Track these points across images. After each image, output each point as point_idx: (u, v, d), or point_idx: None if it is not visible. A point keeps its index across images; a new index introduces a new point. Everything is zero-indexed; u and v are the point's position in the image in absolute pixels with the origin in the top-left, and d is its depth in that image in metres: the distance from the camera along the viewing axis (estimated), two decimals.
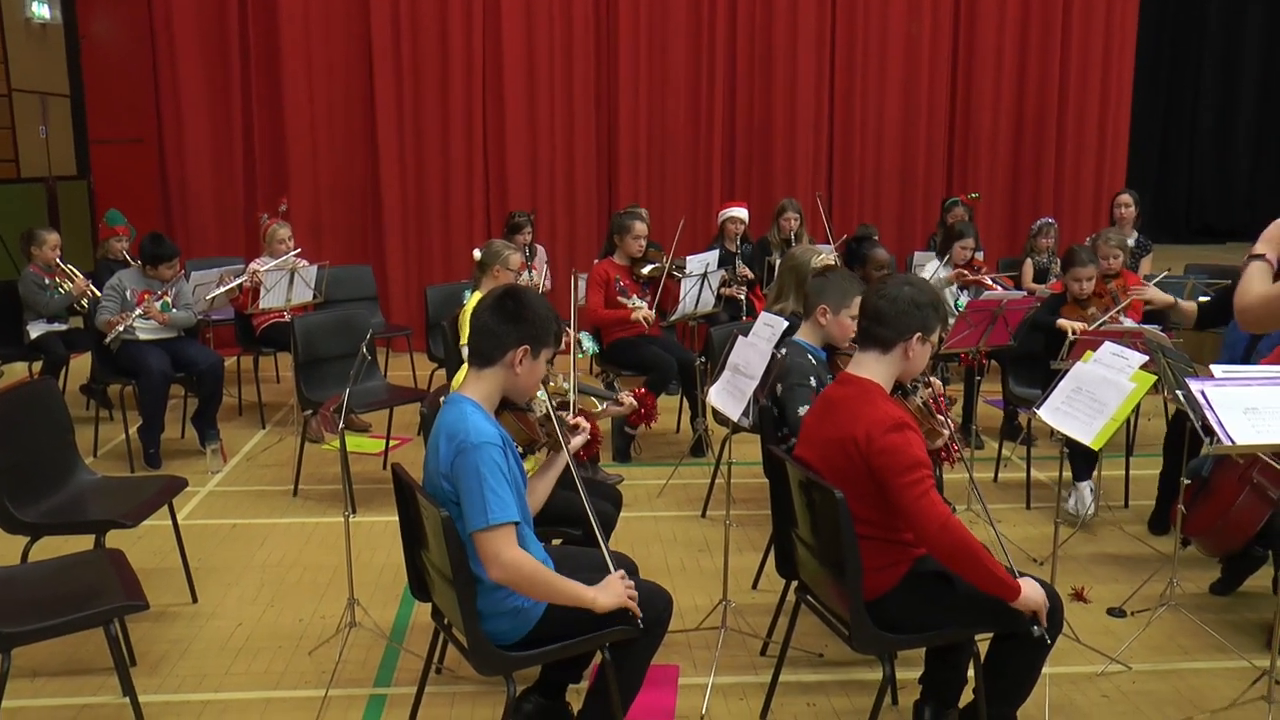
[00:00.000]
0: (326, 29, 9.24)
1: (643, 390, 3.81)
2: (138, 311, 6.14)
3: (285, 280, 6.63)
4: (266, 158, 9.35)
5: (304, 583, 4.65)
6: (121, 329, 6.06)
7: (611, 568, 3.00)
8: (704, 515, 5.48)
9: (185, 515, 5.34)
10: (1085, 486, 5.57)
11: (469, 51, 9.32)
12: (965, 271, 7.15)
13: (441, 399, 3.25)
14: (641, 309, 6.43)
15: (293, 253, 7.10)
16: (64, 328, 7.04)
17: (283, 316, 6.83)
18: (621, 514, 4.10)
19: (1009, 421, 6.57)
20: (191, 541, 4.68)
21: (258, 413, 7.20)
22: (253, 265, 7.06)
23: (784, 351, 4.08)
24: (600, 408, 3.54)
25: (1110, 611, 4.41)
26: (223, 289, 6.89)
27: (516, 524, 2.81)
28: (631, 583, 2.98)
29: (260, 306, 6.75)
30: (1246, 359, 4.85)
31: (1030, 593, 2.98)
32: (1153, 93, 16.55)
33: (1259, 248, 2.97)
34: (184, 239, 8.82)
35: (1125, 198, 8.10)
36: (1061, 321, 5.70)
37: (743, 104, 9.82)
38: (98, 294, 6.45)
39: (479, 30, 9.31)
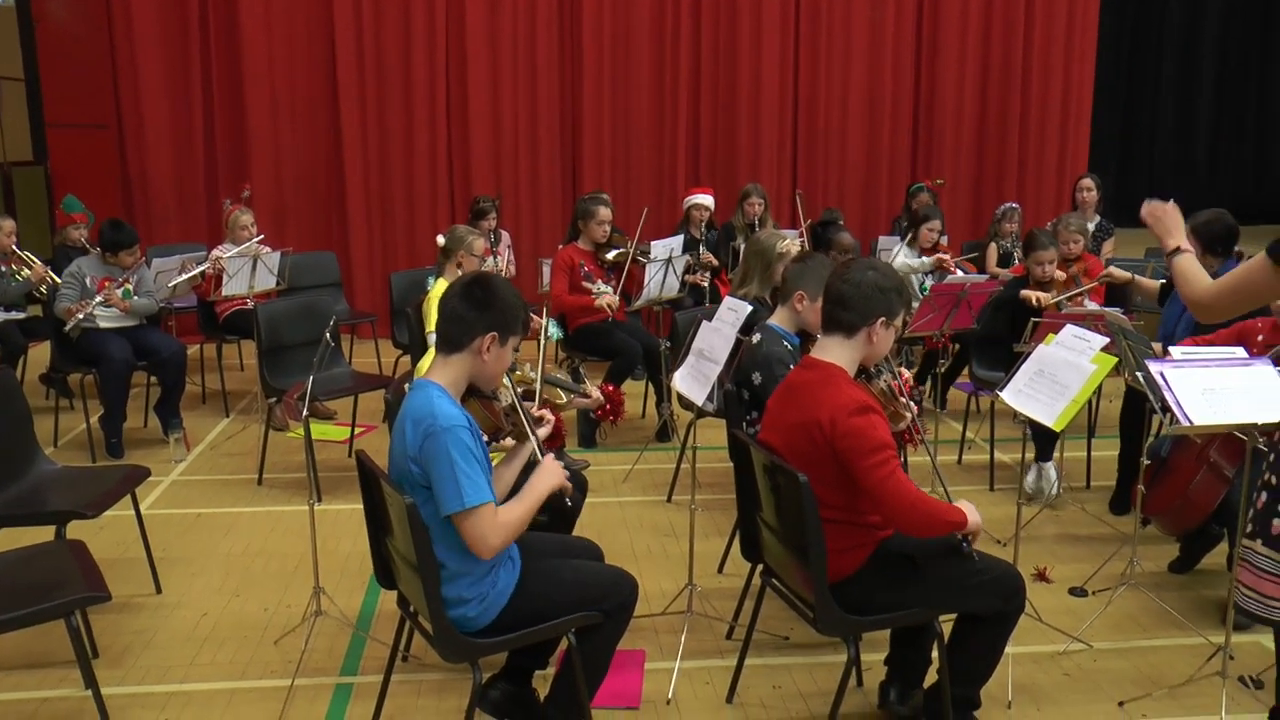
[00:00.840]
0: (288, 12, 9.13)
1: (610, 386, 3.81)
2: (98, 299, 6.07)
3: (248, 267, 6.57)
4: (228, 143, 9.25)
5: (269, 572, 4.63)
6: (81, 316, 5.99)
7: (540, 456, 3.06)
8: (669, 500, 5.50)
9: (148, 505, 5.29)
10: (1049, 467, 5.64)
11: (432, 34, 9.24)
12: (945, 256, 7.21)
13: (406, 385, 3.24)
14: (605, 294, 6.43)
15: (255, 239, 7.04)
16: (22, 316, 6.93)
17: (246, 303, 6.76)
18: (587, 500, 4.11)
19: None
20: (155, 531, 4.65)
21: (221, 401, 7.14)
22: (215, 252, 6.99)
23: (759, 337, 4.09)
24: (565, 400, 3.53)
25: (1072, 591, 4.47)
26: (185, 276, 6.82)
27: (492, 504, 2.82)
28: (562, 462, 3.09)
29: (223, 293, 6.67)
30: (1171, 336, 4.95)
31: (973, 516, 3.08)
32: (1114, 77, 16.75)
33: (1174, 241, 3.00)
34: (145, 225, 8.72)
35: (1087, 182, 8.18)
36: (1025, 292, 5.77)
37: (707, 89, 9.81)
38: (57, 280, 6.37)
39: (442, 11, 9.24)
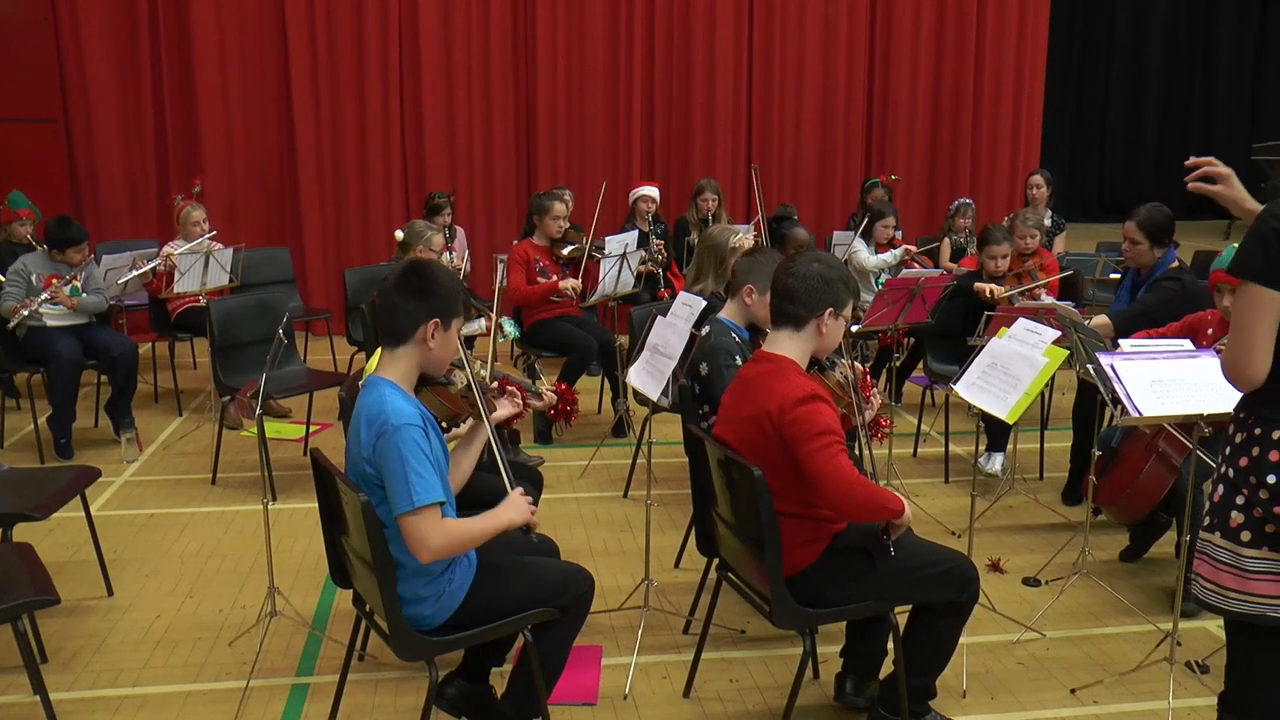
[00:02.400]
0: (240, 6, 9.02)
1: (563, 386, 3.81)
2: (44, 296, 5.97)
3: (200, 264, 6.48)
4: (179, 138, 9.11)
5: (224, 572, 4.58)
6: (27, 314, 5.88)
7: (509, 487, 3.01)
8: (626, 495, 5.50)
9: (99, 506, 5.22)
10: (999, 457, 5.72)
11: (385, 26, 9.17)
12: (911, 248, 7.27)
13: (360, 383, 3.21)
14: (569, 283, 6.43)
15: (207, 235, 6.95)
16: None
17: (198, 301, 6.68)
18: (543, 496, 4.10)
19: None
20: (106, 533, 4.59)
21: (174, 400, 7.05)
22: (166, 249, 6.89)
23: (707, 329, 4.09)
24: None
25: (1025, 581, 4.53)
26: (135, 273, 6.72)
27: (441, 504, 2.80)
28: (530, 496, 3.02)
29: (175, 291, 6.59)
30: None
31: (907, 512, 3.09)
32: (1065, 75, 17.05)
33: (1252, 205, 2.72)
34: (94, 222, 8.58)
35: (1037, 178, 8.28)
36: (979, 285, 5.84)
37: (661, 85, 9.83)
38: (1, 279, 6.25)
39: (395, 7, 9.18)
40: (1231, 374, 2.52)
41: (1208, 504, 2.68)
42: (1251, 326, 2.47)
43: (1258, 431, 2.54)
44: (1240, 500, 2.57)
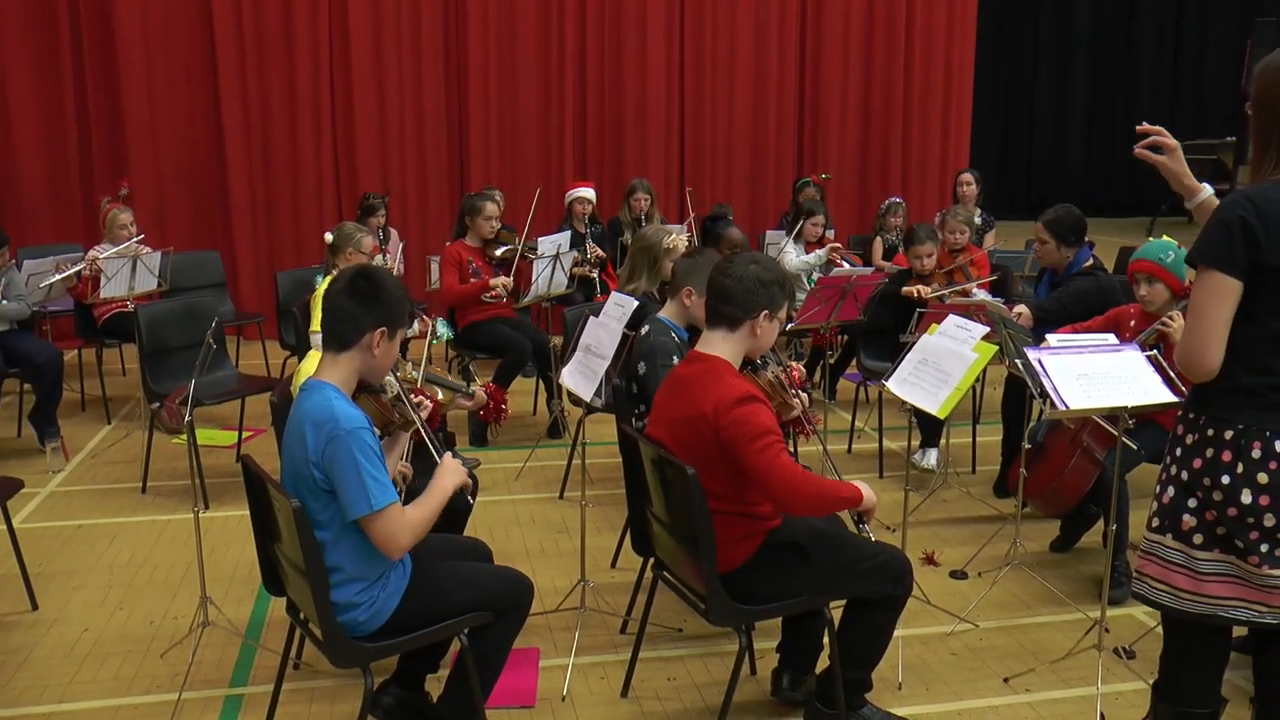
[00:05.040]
0: (164, 5, 8.85)
1: (493, 386, 3.79)
2: None
3: (127, 268, 6.36)
4: (104, 139, 8.91)
5: (155, 583, 4.49)
6: None
7: (438, 457, 3.05)
8: (562, 496, 5.50)
9: (22, 519, 5.09)
10: (933, 452, 5.80)
11: (314, 26, 9.07)
12: (838, 246, 7.33)
13: (292, 388, 3.18)
14: (500, 280, 6.41)
15: (135, 239, 6.82)
16: None
17: (126, 306, 6.55)
18: (479, 498, 4.07)
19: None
20: (30, 546, 4.48)
21: (102, 407, 6.90)
22: (92, 252, 6.73)
23: (646, 329, 4.10)
24: (442, 397, 3.51)
25: (953, 574, 4.60)
26: (58, 277, 6.55)
27: (397, 502, 2.80)
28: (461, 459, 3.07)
29: (101, 296, 6.45)
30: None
31: (868, 495, 3.16)
32: (993, 75, 17.40)
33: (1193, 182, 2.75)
34: (14, 225, 8.33)
35: (966, 176, 8.42)
36: (906, 288, 5.92)
37: (593, 85, 9.84)
38: None
39: (324, 6, 9.07)
40: (1186, 362, 2.51)
41: (1155, 505, 2.69)
42: (1209, 314, 2.44)
43: (1210, 433, 2.55)
44: (1193, 503, 2.59)
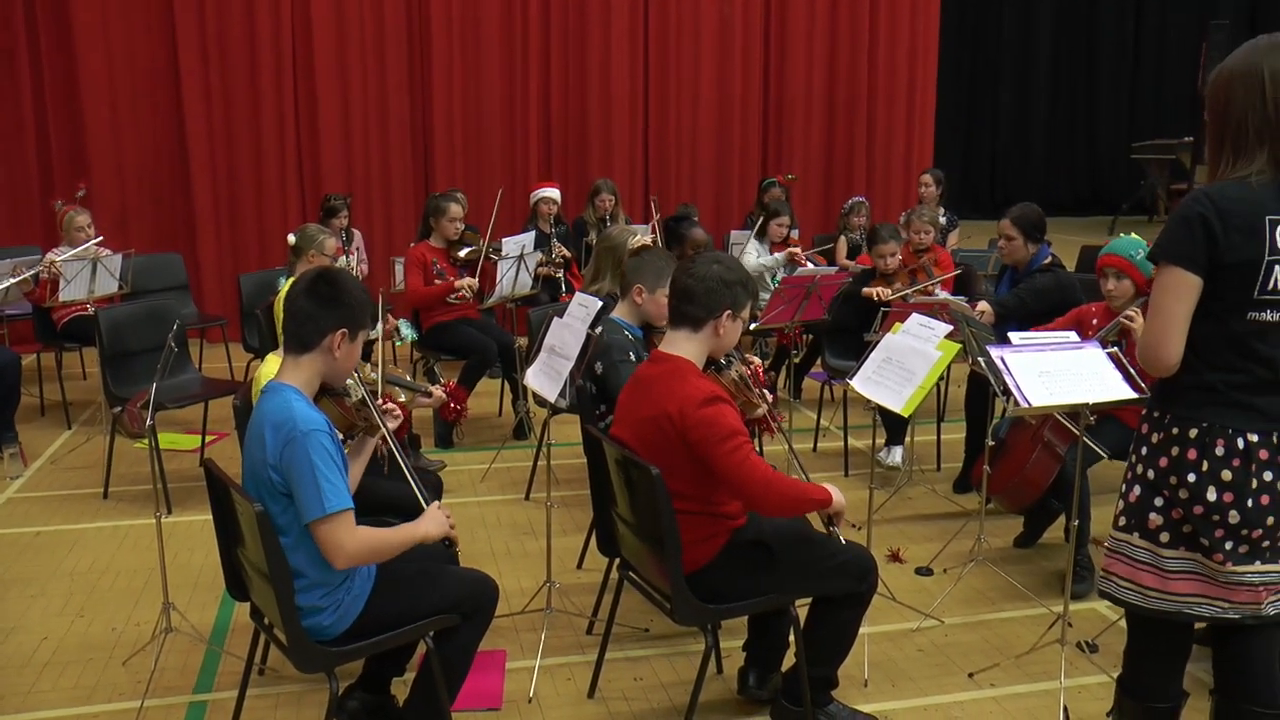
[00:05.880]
0: (124, 4, 8.75)
1: (453, 384, 3.78)
2: None
3: (87, 271, 6.28)
4: (63, 139, 8.80)
5: (117, 589, 4.44)
6: None
7: (424, 503, 3.02)
8: (527, 498, 5.49)
9: None
10: (898, 450, 5.84)
11: (278, 27, 9.00)
12: (796, 250, 7.36)
13: (253, 391, 3.15)
14: (466, 280, 6.39)
15: (94, 241, 6.74)
16: None
17: (86, 309, 6.47)
18: (444, 500, 4.05)
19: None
20: None
21: (62, 412, 6.82)
22: (50, 255, 6.65)
23: (600, 329, 4.11)
24: (403, 398, 3.49)
25: (918, 571, 4.63)
26: (14, 280, 6.45)
27: (352, 509, 2.78)
28: (449, 510, 3.04)
29: (60, 299, 6.36)
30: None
31: (838, 497, 3.19)
32: (956, 76, 17.55)
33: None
34: None
35: (926, 177, 8.49)
36: (866, 290, 5.95)
37: (557, 85, 9.83)
38: None
39: (287, 6, 9.00)
40: (1147, 356, 2.54)
41: (1121, 503, 2.71)
42: (1170, 309, 2.48)
43: (1175, 431, 2.57)
44: (1159, 502, 2.61)
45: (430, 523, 2.97)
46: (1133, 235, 4.52)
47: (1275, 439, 2.51)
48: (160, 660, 3.76)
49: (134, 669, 3.77)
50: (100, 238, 6.86)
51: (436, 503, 3.04)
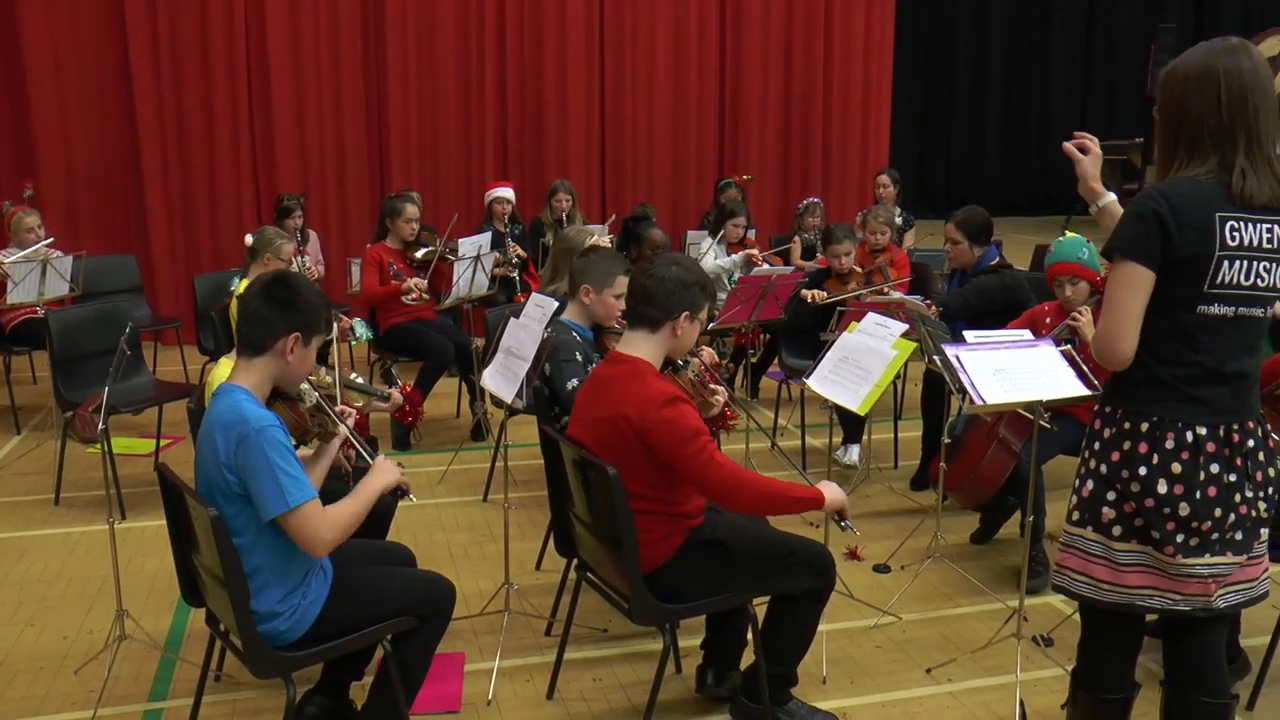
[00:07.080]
0: (73, 2, 8.62)
1: (409, 388, 3.76)
2: None
3: (36, 273, 6.19)
4: (9, 138, 8.65)
5: (68, 597, 4.37)
6: None
7: (370, 459, 3.05)
8: (485, 499, 5.47)
9: None
10: (855, 449, 5.88)
11: (231, 26, 8.90)
12: (753, 251, 7.39)
13: (206, 395, 3.12)
14: (414, 281, 6.36)
15: (44, 242, 6.64)
16: None
17: (35, 312, 6.37)
18: (401, 502, 4.03)
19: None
20: None
21: (11, 417, 6.69)
22: None
23: (550, 331, 4.11)
24: (359, 404, 3.47)
25: (876, 568, 4.66)
26: None
27: (316, 498, 2.77)
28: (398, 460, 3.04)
29: (8, 301, 6.27)
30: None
31: (832, 495, 3.16)
32: (912, 77, 17.74)
33: (1100, 186, 2.87)
34: None
35: (884, 178, 8.55)
36: (804, 292, 5.98)
37: (513, 85, 9.81)
38: None
39: (240, 4, 8.90)
40: (1102, 350, 2.57)
41: (1075, 498, 2.75)
42: (1124, 303, 2.51)
43: (1127, 425, 2.60)
44: (1112, 496, 2.64)
45: (382, 473, 2.99)
46: (1071, 235, 4.58)
47: (1222, 432, 2.56)
48: (114, 668, 3.71)
49: (86, 678, 3.71)
50: (50, 239, 6.75)
51: (382, 455, 3.06)
